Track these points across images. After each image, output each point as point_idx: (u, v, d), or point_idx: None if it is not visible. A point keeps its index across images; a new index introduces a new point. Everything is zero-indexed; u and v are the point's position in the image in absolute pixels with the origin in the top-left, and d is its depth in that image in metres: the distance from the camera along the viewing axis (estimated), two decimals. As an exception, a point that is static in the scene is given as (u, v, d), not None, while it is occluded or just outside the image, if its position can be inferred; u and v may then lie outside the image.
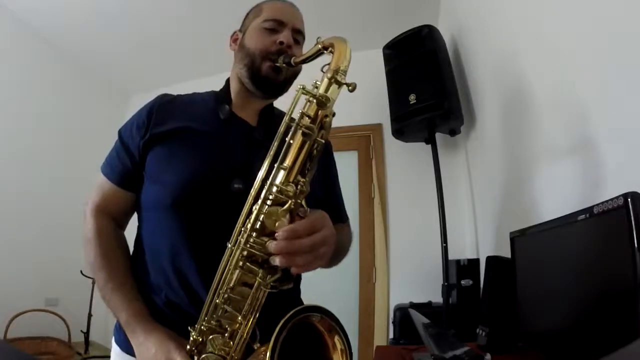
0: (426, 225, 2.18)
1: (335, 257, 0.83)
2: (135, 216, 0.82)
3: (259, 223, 0.60)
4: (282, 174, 0.61)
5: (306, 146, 0.61)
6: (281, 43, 0.77)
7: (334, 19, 2.46)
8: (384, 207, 2.47)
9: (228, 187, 0.71)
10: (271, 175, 0.61)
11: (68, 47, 2.77)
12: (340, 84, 0.64)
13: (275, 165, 0.61)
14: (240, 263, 0.60)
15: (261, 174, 0.62)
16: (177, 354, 0.61)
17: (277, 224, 0.59)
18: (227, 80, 0.87)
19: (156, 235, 0.74)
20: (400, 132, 2.10)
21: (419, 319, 1.04)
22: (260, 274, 0.60)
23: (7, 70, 2.39)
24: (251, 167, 0.65)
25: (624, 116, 0.71)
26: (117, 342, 0.76)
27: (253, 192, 0.62)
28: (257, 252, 0.60)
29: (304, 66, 0.77)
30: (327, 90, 0.63)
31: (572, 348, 0.67)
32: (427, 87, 1.85)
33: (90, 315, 2.45)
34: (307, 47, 0.75)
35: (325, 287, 2.51)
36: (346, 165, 2.61)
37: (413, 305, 1.92)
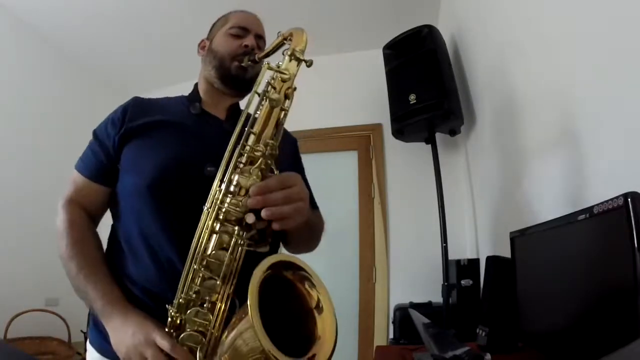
0: (426, 225, 2.18)
1: (311, 235, 0.89)
2: (109, 216, 0.82)
3: (233, 184, 0.64)
4: (252, 137, 0.68)
5: (274, 113, 0.69)
6: (246, 46, 0.86)
7: (334, 19, 2.46)
8: (384, 207, 2.47)
9: (201, 171, 0.74)
10: (242, 138, 0.67)
11: (68, 47, 2.76)
12: (299, 60, 0.73)
13: (246, 130, 0.68)
14: (217, 225, 0.63)
15: (232, 139, 0.67)
16: (157, 333, 0.60)
17: (249, 182, 0.63)
18: (196, 85, 0.93)
19: (132, 221, 0.75)
20: (400, 132, 2.10)
21: (419, 319, 1.04)
22: (236, 231, 0.62)
23: (7, 70, 2.39)
24: (223, 153, 0.69)
25: (625, 116, 0.71)
26: (91, 342, 0.75)
27: (226, 154, 0.66)
28: (233, 210, 0.63)
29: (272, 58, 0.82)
30: (288, 66, 0.73)
31: (572, 348, 0.67)
32: (427, 87, 1.85)
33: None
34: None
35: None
36: (346, 165, 2.61)
37: (413, 305, 1.91)
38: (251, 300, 0.52)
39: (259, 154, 0.66)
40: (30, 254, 2.36)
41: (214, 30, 0.93)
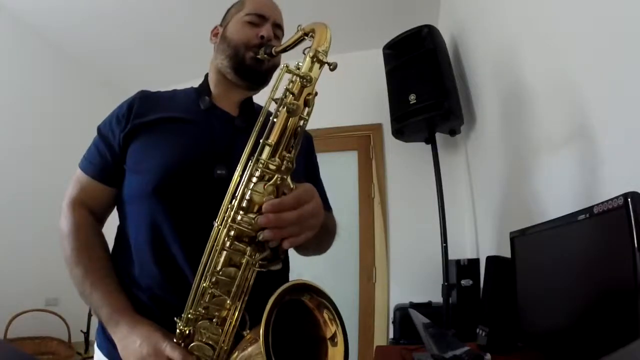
0: (426, 225, 2.18)
1: (322, 241, 0.83)
2: (115, 215, 0.80)
3: (246, 200, 0.60)
4: (267, 150, 0.61)
5: (290, 122, 0.62)
6: (262, 37, 0.79)
7: (334, 19, 2.44)
8: (384, 207, 2.47)
9: (211, 173, 0.71)
10: (256, 152, 0.61)
11: (68, 47, 2.76)
12: (322, 63, 0.66)
13: (260, 141, 0.61)
14: (228, 242, 0.59)
15: (246, 150, 0.62)
16: (166, 344, 0.58)
17: (264, 200, 0.59)
18: (206, 76, 0.87)
19: (139, 226, 0.71)
20: (400, 132, 2.10)
21: (419, 319, 1.04)
22: (248, 252, 0.59)
23: (7, 70, 2.39)
24: (233, 153, 0.65)
25: (625, 116, 0.71)
26: (98, 346, 0.73)
27: (239, 167, 0.62)
28: (245, 229, 0.59)
29: (288, 53, 0.77)
30: (310, 69, 0.65)
31: (572, 348, 0.67)
32: (427, 87, 1.85)
33: (90, 315, 2.45)
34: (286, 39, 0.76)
35: (325, 287, 2.52)
36: (346, 165, 2.61)
37: (413, 305, 1.92)
38: (264, 330, 0.50)
39: (274, 168, 0.60)
40: (30, 254, 2.36)
41: (228, 16, 0.86)
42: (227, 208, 0.60)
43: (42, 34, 2.61)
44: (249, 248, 0.59)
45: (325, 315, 0.58)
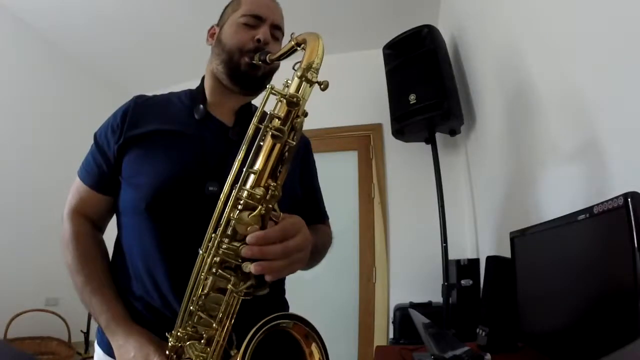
0: (426, 225, 2.18)
1: (313, 259, 0.81)
2: (115, 220, 0.80)
3: (230, 228, 0.59)
4: (252, 178, 0.59)
5: (276, 149, 0.59)
6: (258, 40, 0.75)
7: (334, 19, 2.46)
8: (384, 207, 2.47)
9: (202, 190, 0.70)
10: (240, 180, 0.59)
11: (68, 47, 2.76)
12: (311, 83, 0.61)
13: (244, 169, 0.59)
14: (213, 269, 0.59)
15: (230, 178, 0.60)
16: (156, 358, 0.60)
17: (248, 229, 0.57)
18: (203, 78, 0.85)
19: (132, 240, 0.72)
20: (400, 132, 2.10)
21: (419, 319, 1.04)
22: (232, 281, 0.58)
23: (7, 70, 2.39)
24: (226, 169, 0.63)
25: (625, 116, 0.71)
26: (99, 343, 0.75)
27: (223, 197, 0.60)
28: (229, 259, 0.58)
29: (286, 61, 0.74)
30: (297, 89, 0.60)
31: (572, 348, 0.67)
32: (427, 87, 1.85)
33: (90, 315, 2.45)
34: (286, 41, 0.73)
35: (325, 287, 2.52)
36: (346, 165, 2.61)
37: (413, 305, 1.92)
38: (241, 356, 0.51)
39: (258, 197, 0.58)
40: (30, 254, 2.36)
41: (225, 16, 0.82)
42: (211, 237, 0.60)
43: (42, 34, 2.61)
44: (233, 277, 0.58)
45: (314, 349, 0.58)
